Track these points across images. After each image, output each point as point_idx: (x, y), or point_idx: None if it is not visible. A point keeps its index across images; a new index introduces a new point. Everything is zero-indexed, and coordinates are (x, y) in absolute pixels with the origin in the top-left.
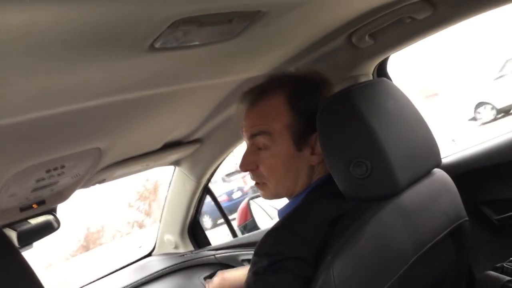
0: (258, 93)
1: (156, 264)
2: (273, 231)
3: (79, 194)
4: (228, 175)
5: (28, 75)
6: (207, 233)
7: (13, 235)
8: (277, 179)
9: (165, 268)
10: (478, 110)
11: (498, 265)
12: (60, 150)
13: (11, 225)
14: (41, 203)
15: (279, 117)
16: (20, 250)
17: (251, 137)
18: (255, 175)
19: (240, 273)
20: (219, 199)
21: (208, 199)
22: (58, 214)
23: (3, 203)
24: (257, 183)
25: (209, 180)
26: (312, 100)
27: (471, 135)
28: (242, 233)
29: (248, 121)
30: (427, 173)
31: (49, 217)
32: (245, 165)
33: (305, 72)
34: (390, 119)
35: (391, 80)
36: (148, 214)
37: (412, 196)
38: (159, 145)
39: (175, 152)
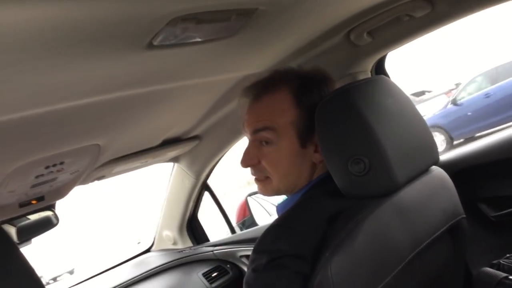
0: (262, 87)
1: (154, 260)
2: (272, 229)
3: None
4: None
5: (26, 72)
6: None
7: (12, 231)
8: (281, 174)
9: (164, 264)
10: None
11: (495, 261)
12: (59, 146)
13: (10, 221)
14: (40, 199)
15: (285, 112)
16: (19, 246)
17: (255, 132)
18: (257, 170)
19: None
20: None
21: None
22: (57, 210)
23: (2, 199)
24: (257, 179)
25: (208, 176)
26: (316, 97)
27: None
28: (241, 229)
29: (252, 116)
30: (425, 170)
31: (48, 213)
32: (246, 160)
33: (308, 68)
34: (388, 117)
35: (389, 78)
36: None
37: (410, 193)
38: (158, 142)
39: (174, 148)
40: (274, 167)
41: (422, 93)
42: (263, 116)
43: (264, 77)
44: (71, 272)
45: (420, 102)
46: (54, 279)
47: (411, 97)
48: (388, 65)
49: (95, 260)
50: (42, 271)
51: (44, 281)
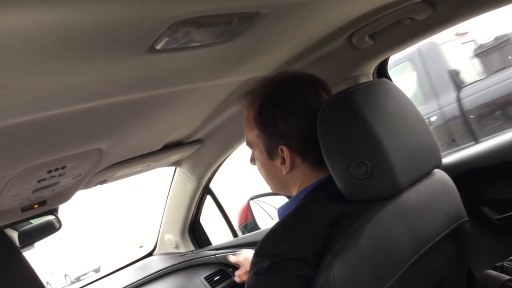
0: (248, 98)
1: (157, 264)
2: (273, 232)
3: None
4: None
5: (28, 76)
6: None
7: (14, 235)
8: (264, 179)
9: (166, 267)
10: None
11: (498, 264)
12: (61, 150)
13: (12, 226)
14: (42, 203)
15: (252, 128)
16: (22, 251)
17: None
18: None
19: None
20: None
21: None
22: (59, 215)
23: (5, 203)
24: None
25: (210, 180)
26: (277, 112)
27: None
28: (243, 233)
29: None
30: (428, 173)
31: (50, 217)
32: (250, 161)
33: (279, 80)
34: (390, 120)
35: (391, 81)
36: None
37: (412, 196)
38: (159, 146)
39: (175, 152)
40: (260, 173)
41: None
42: (245, 130)
43: (249, 89)
44: (96, 270)
45: None
46: (78, 279)
47: None
48: None
49: (117, 258)
50: (68, 269)
51: (69, 280)
